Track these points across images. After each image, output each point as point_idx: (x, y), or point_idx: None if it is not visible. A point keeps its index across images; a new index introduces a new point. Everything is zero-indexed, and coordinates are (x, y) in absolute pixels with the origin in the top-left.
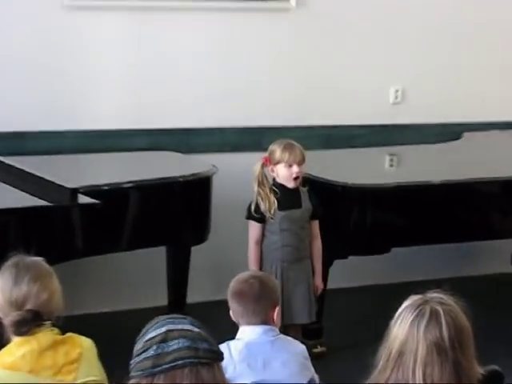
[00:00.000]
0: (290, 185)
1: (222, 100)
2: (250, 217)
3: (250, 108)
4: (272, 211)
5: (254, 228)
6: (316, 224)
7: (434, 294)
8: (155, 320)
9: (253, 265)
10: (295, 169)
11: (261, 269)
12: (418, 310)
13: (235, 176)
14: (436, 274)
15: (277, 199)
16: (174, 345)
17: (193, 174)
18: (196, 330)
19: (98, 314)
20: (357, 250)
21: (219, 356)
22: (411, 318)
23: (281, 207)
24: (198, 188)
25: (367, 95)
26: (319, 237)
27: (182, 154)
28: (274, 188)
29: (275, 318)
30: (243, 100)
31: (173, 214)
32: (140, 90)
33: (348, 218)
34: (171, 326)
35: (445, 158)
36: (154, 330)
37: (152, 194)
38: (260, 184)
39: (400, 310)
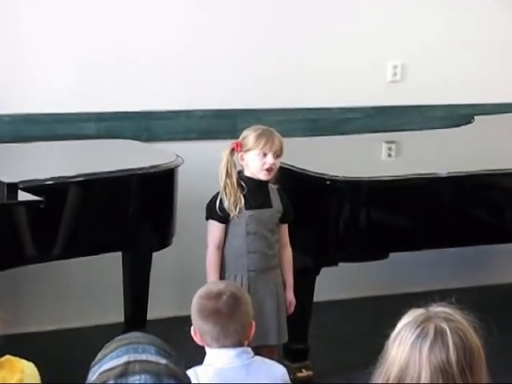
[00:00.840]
0: (261, 175)
1: (187, 78)
2: (211, 216)
3: (222, 87)
4: (238, 209)
5: (216, 229)
6: (285, 229)
7: (438, 308)
8: (115, 342)
9: (212, 274)
10: (270, 159)
11: (221, 278)
12: (420, 329)
13: (204, 168)
14: (442, 284)
15: (243, 195)
16: (135, 381)
17: (153, 166)
18: (163, 361)
19: (42, 333)
20: (349, 255)
21: None
22: (412, 339)
23: (248, 205)
24: (160, 182)
25: (360, 72)
26: (289, 244)
27: (141, 143)
28: (241, 182)
29: (251, 336)
30: (213, 78)
31: (130, 213)
32: (89, 67)
33: (338, 218)
34: (133, 356)
35: (452, 146)
36: (111, 359)
37: (105, 191)
38: (228, 175)
39: (398, 328)
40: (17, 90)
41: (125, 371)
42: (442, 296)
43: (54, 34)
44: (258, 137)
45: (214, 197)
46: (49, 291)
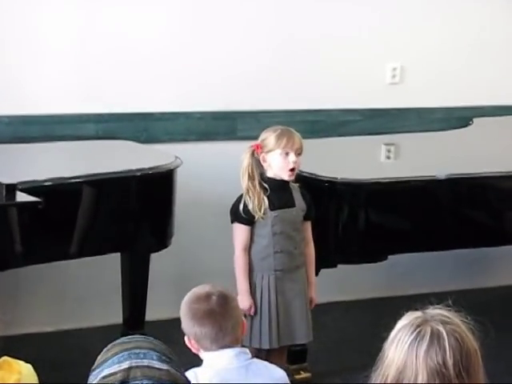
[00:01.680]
0: (286, 176)
1: (187, 79)
2: (236, 219)
3: (221, 89)
4: (262, 211)
5: (242, 232)
6: (309, 226)
7: (435, 311)
8: (117, 346)
9: (242, 277)
10: (292, 158)
11: (250, 280)
12: (416, 331)
13: (203, 169)
14: (440, 286)
15: (267, 197)
16: None
17: (152, 168)
18: (164, 367)
19: (40, 335)
20: (348, 257)
21: None
22: (409, 341)
23: (272, 206)
24: (159, 184)
25: (359, 74)
26: (312, 241)
27: (140, 144)
28: (263, 183)
29: (245, 333)
30: (212, 80)
31: (129, 214)
32: (88, 68)
33: (337, 219)
34: (134, 362)
35: (451, 149)
36: (113, 364)
37: (104, 192)
38: (250, 178)
39: (395, 331)
40: (15, 91)
41: (126, 377)
42: (440, 298)
43: (53, 35)
44: (279, 137)
45: (236, 200)
46: (47, 292)
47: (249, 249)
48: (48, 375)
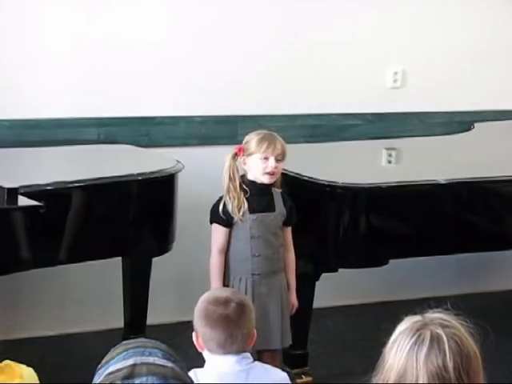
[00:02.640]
0: (263, 179)
1: (188, 84)
2: (214, 219)
3: (222, 93)
4: (241, 213)
5: (220, 233)
6: (289, 232)
7: (434, 315)
8: (121, 346)
9: (216, 278)
10: (272, 163)
11: (224, 283)
12: (416, 335)
13: (204, 174)
14: (441, 291)
15: (246, 199)
16: (142, 382)
17: (153, 172)
18: (169, 364)
19: (41, 339)
20: (348, 261)
21: None
22: (409, 345)
23: (251, 209)
24: (160, 188)
25: (360, 78)
26: (292, 247)
27: (141, 148)
28: (244, 186)
29: (252, 344)
30: (214, 84)
31: (130, 219)
32: (89, 72)
33: (338, 223)
34: (139, 359)
35: (452, 153)
36: (118, 361)
37: (105, 196)
38: (231, 179)
39: (395, 336)
40: (17, 95)
41: (131, 373)
42: (441, 302)
43: (55, 39)
44: (260, 141)
45: (217, 201)
46: (48, 296)
47: (226, 251)
48: (49, 379)
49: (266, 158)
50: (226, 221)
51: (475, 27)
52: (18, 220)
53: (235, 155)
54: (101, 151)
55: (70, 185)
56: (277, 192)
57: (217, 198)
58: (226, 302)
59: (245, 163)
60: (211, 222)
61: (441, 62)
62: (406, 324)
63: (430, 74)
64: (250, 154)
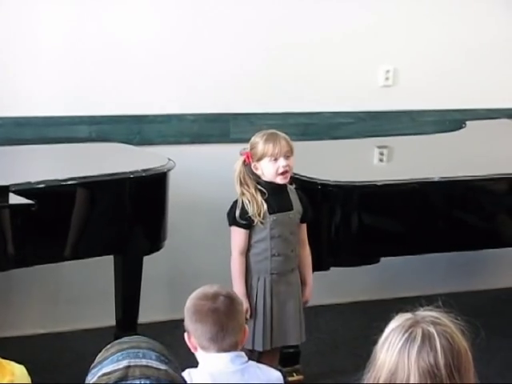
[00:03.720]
0: (278, 180)
1: (180, 82)
2: (234, 223)
3: (214, 91)
4: (262, 215)
5: (240, 235)
6: (305, 228)
7: (425, 312)
8: (115, 346)
9: (238, 279)
10: (282, 162)
11: (246, 282)
12: (407, 333)
13: (196, 172)
14: (433, 289)
15: (265, 200)
16: None
17: (145, 170)
18: (163, 367)
19: (33, 337)
20: (340, 260)
21: None
22: (400, 343)
23: (271, 210)
24: (152, 186)
25: (352, 77)
26: (307, 243)
27: (133, 146)
28: (260, 188)
29: (245, 340)
30: (206, 82)
31: (121, 217)
32: (81, 70)
33: (330, 222)
34: (133, 361)
35: (444, 151)
36: (111, 363)
37: (96, 194)
38: (243, 184)
39: (386, 333)
40: (8, 93)
41: (125, 375)
42: (433, 301)
43: (46, 36)
44: (265, 144)
45: (234, 203)
46: (40, 294)
47: (246, 252)
48: (41, 377)
49: (276, 159)
50: (246, 223)
51: (467, 26)
52: (8, 218)
53: (244, 162)
54: (92, 149)
55: (62, 183)
56: (292, 189)
57: (209, 196)
58: (214, 296)
59: (256, 168)
60: (230, 225)
61: (433, 60)
62: (398, 322)
63: (422, 73)
64: (259, 159)
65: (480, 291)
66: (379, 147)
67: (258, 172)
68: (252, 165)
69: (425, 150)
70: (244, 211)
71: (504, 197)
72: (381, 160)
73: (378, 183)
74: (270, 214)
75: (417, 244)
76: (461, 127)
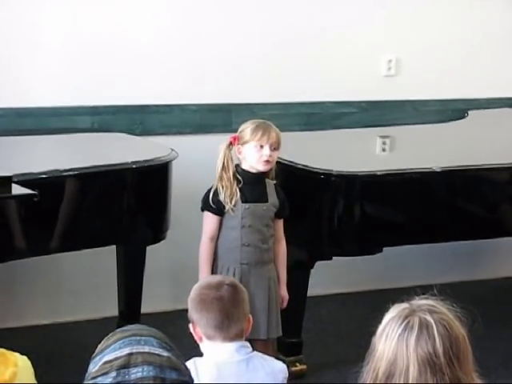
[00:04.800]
0: (259, 166)
1: (182, 72)
2: (206, 207)
3: (216, 81)
4: (233, 202)
5: (211, 221)
6: (281, 224)
7: (421, 301)
8: (117, 334)
9: (205, 265)
10: (266, 151)
11: (213, 271)
12: (405, 323)
13: (198, 162)
14: (436, 279)
15: (239, 189)
16: (138, 372)
17: (148, 160)
18: (165, 354)
19: (36, 327)
20: (343, 249)
21: None
22: (398, 333)
23: (244, 199)
24: (154, 176)
25: (355, 66)
26: (284, 239)
27: (135, 136)
28: (237, 175)
29: (249, 329)
30: (208, 72)
31: (124, 207)
32: (83, 60)
33: (332, 212)
34: (135, 348)
35: (447, 141)
36: (114, 350)
37: (99, 184)
38: (224, 168)
39: (384, 324)
40: (10, 84)
41: (127, 362)
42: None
43: (48, 27)
44: (255, 129)
45: (209, 189)
46: (42, 285)
47: (216, 239)
48: (44, 368)
49: (261, 147)
50: (217, 209)
51: (470, 16)
52: (11, 208)
53: (230, 144)
54: (95, 140)
55: (64, 173)
56: (270, 183)
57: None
58: (218, 285)
59: (240, 152)
60: (202, 210)
61: (435, 50)
62: (394, 312)
63: (425, 62)
64: (244, 143)
65: (482, 281)
66: (382, 137)
67: (240, 156)
68: (236, 147)
69: (427, 140)
70: (216, 196)
71: (506, 186)
72: (383, 150)
73: (380, 173)
74: (243, 202)
75: (419, 234)
76: (463, 117)
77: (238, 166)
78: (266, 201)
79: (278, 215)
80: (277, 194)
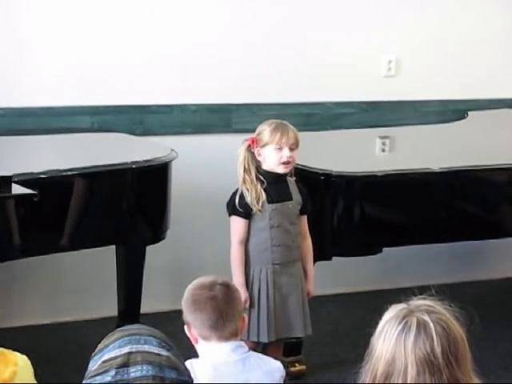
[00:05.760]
0: (279, 169)
1: (182, 72)
2: (233, 212)
3: (217, 82)
4: (260, 203)
5: (239, 225)
6: (305, 220)
7: (419, 302)
8: (117, 333)
9: (237, 269)
10: (286, 152)
11: (246, 273)
12: (402, 323)
13: (198, 162)
14: (435, 279)
15: (264, 190)
16: (137, 371)
17: (148, 160)
18: (164, 353)
19: (35, 327)
20: (343, 250)
21: None
22: (396, 333)
23: (270, 199)
24: (154, 176)
25: (354, 67)
26: (309, 235)
27: (135, 136)
28: (260, 176)
29: (244, 329)
30: (208, 72)
31: (124, 207)
32: (83, 61)
33: (332, 212)
34: (135, 347)
35: (446, 142)
36: (113, 349)
37: (99, 184)
38: (246, 170)
39: (381, 325)
40: (11, 84)
41: (126, 361)
42: (435, 291)
43: (49, 27)
44: (273, 131)
45: (233, 193)
46: (42, 285)
47: (246, 242)
48: (43, 367)
49: (280, 149)
50: (245, 212)
51: (470, 16)
52: (11, 208)
53: (249, 147)
54: (95, 139)
55: (64, 173)
56: (291, 181)
57: (210, 186)
58: (211, 284)
59: (259, 154)
60: (230, 215)
61: (435, 50)
62: (392, 312)
63: (425, 63)
64: (263, 146)
65: (481, 281)
66: (381, 137)
67: (260, 158)
68: (255, 150)
69: (427, 141)
70: (243, 199)
71: (506, 187)
72: (383, 150)
73: (380, 173)
74: (269, 203)
75: (419, 234)
76: (463, 117)
77: (258, 167)
78: (291, 199)
79: (302, 212)
80: (299, 191)
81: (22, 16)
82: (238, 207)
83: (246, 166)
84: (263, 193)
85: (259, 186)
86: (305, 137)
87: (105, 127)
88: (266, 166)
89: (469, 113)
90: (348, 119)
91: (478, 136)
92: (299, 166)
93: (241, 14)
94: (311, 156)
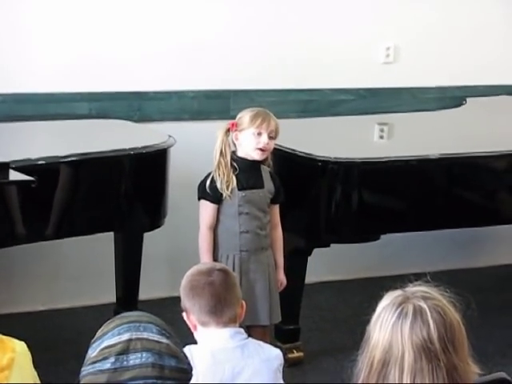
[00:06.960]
0: (254, 154)
1: (180, 58)
2: (203, 196)
3: (215, 68)
4: (230, 189)
5: (208, 209)
6: (277, 210)
7: (415, 288)
8: (116, 320)
9: (205, 254)
10: (264, 138)
11: (214, 259)
12: (399, 310)
13: (196, 149)
14: (433, 266)
15: (236, 176)
16: (136, 359)
17: (145, 147)
18: (164, 341)
19: (33, 313)
20: (340, 237)
21: (188, 375)
22: (392, 320)
23: (241, 186)
24: (152, 163)
25: (353, 54)
26: (280, 225)
27: (133, 123)
28: (233, 163)
29: (243, 315)
30: (206, 58)
31: (122, 193)
32: (81, 47)
33: (330, 199)
34: (135, 334)
35: (444, 128)
36: (113, 336)
37: (97, 171)
38: (222, 154)
39: (378, 312)
40: (9, 70)
41: (126, 348)
42: (433, 278)
43: (47, 13)
44: (254, 117)
45: (205, 177)
46: (40, 271)
47: (215, 227)
48: (41, 353)
49: (259, 134)
50: (214, 197)
51: (468, 2)
52: (9, 194)
53: (228, 131)
54: (93, 126)
55: (62, 159)
56: (265, 169)
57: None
58: (209, 270)
59: (237, 138)
60: (199, 199)
61: (433, 37)
62: (388, 299)
63: (423, 50)
64: (242, 130)
65: (480, 268)
66: (380, 124)
67: (237, 142)
68: (233, 134)
69: (425, 127)
70: (213, 183)
71: (504, 174)
72: (381, 137)
73: (378, 160)
74: (239, 190)
75: (417, 221)
76: (461, 104)
77: (233, 152)
78: (262, 187)
79: (273, 201)
80: (272, 180)
81: (20, 3)
82: (208, 190)
83: (223, 149)
84: (234, 179)
85: (231, 172)
86: (303, 123)
87: (103, 114)
88: (241, 152)
89: (467, 99)
90: (346, 106)
91: (477, 122)
92: (297, 152)
93: (239, 1)
94: (309, 142)
